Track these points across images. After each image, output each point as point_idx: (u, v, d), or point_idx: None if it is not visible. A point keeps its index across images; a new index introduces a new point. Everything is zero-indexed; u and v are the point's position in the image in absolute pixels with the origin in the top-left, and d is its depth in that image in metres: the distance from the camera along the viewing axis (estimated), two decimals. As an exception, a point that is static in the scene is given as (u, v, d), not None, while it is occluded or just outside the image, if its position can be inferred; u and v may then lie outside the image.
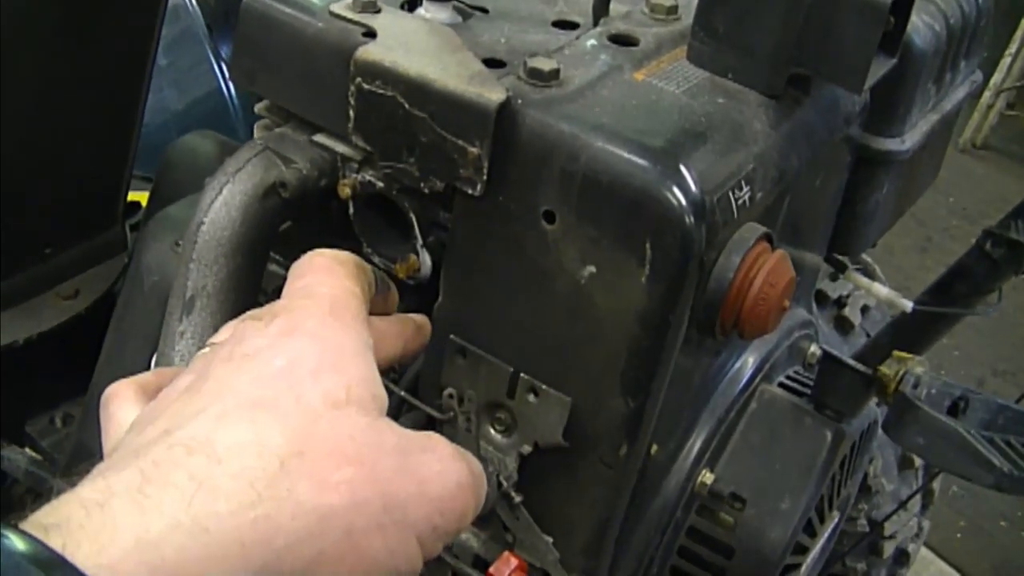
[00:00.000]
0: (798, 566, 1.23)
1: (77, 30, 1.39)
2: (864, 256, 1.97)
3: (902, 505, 1.85)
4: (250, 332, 0.77)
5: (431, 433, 0.76)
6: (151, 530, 0.61)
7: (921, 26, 1.26)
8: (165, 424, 0.70)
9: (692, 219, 0.91)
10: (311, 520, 0.66)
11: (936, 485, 2.05)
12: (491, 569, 0.96)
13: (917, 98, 1.29)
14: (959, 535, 3.18)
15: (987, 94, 4.77)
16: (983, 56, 1.51)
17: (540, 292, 0.99)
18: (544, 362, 1.03)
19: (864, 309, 1.89)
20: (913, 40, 1.24)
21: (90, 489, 0.64)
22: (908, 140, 1.30)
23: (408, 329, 0.95)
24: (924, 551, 3.00)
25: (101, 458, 0.72)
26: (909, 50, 1.24)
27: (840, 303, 1.88)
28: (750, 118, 1.03)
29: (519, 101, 0.97)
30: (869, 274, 1.97)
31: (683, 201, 0.91)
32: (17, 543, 0.58)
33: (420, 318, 0.99)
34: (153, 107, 2.80)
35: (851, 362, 1.14)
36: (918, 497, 2.02)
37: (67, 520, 0.61)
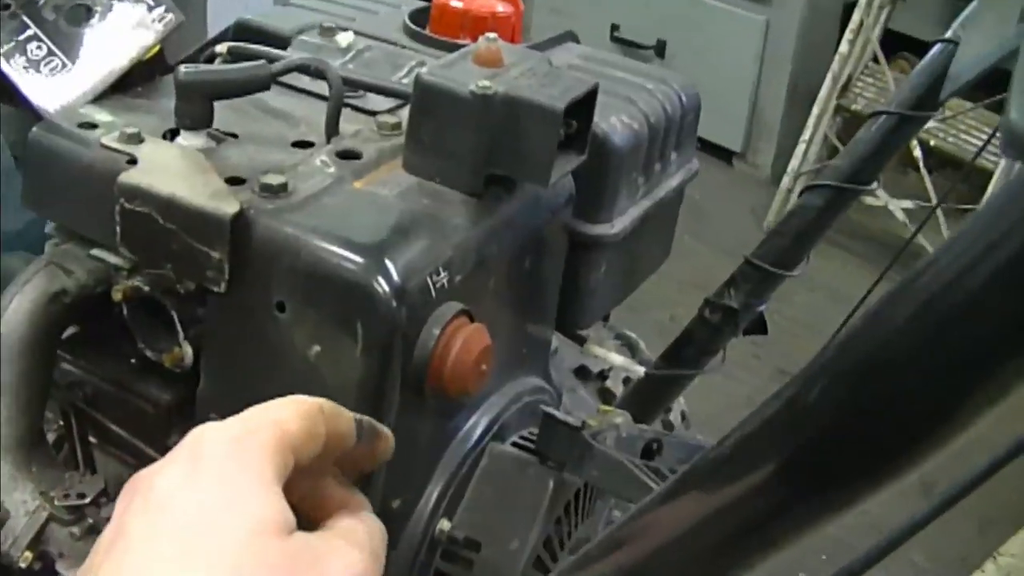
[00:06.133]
0: (535, 599, 1.42)
1: None
2: (628, 332, 2.19)
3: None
4: (158, 472, 0.80)
5: (333, 532, 0.84)
6: None
7: (620, 126, 1.47)
8: None
9: (395, 303, 1.12)
10: None
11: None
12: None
13: (621, 188, 1.50)
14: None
15: (786, 179, 5.03)
16: (696, 147, 1.73)
17: (280, 370, 1.18)
18: (288, 430, 1.21)
19: (626, 380, 2.09)
20: (611, 138, 1.45)
21: None
22: (617, 224, 1.51)
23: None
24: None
25: None
26: (608, 147, 1.45)
27: (603, 376, 2.08)
28: (452, 215, 1.23)
29: (252, 211, 1.16)
30: (632, 347, 2.19)
31: (387, 289, 1.12)
32: None
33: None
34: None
35: (563, 417, 1.33)
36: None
37: None
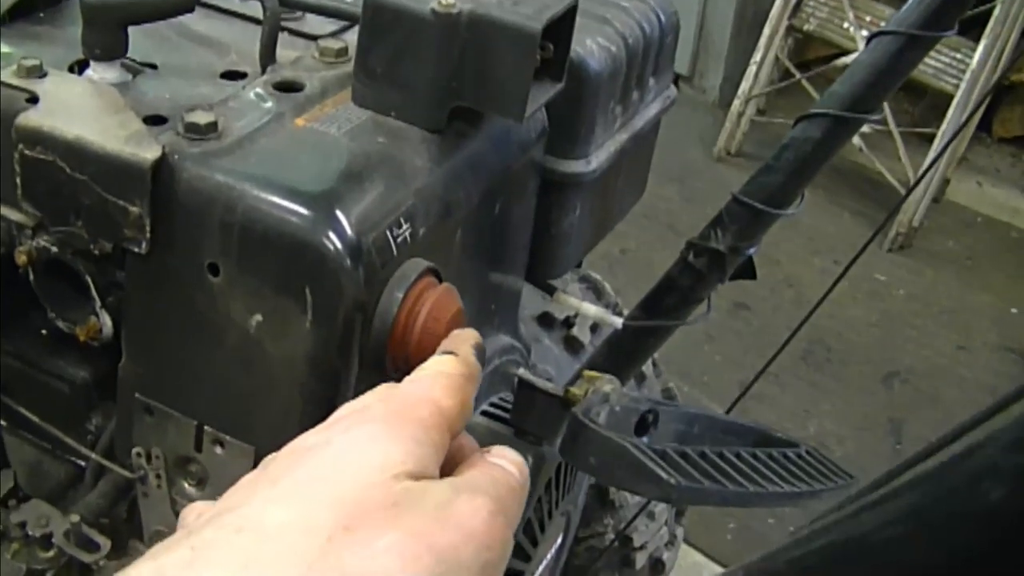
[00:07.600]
0: (517, 590, 1.26)
1: None
2: (592, 274, 2.02)
3: (635, 517, 1.89)
4: (312, 431, 0.81)
5: (461, 479, 0.80)
6: None
7: (596, 49, 1.30)
8: (221, 506, 0.74)
9: (349, 262, 0.94)
10: None
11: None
12: None
13: (598, 119, 1.33)
14: (729, 537, 3.25)
15: (736, 102, 4.88)
16: (674, 72, 1.56)
17: (213, 344, 1.01)
18: (226, 413, 1.04)
19: (594, 327, 1.93)
20: (587, 63, 1.28)
21: (140, 569, 0.68)
22: (594, 160, 1.34)
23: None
24: (696, 555, 3.07)
25: None
26: (584, 73, 1.28)
27: (568, 323, 1.91)
28: (411, 155, 1.06)
29: (176, 157, 0.98)
30: (598, 291, 2.02)
31: (339, 246, 0.94)
32: None
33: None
34: None
35: (542, 384, 1.16)
36: (665, 507, 2.06)
37: None
